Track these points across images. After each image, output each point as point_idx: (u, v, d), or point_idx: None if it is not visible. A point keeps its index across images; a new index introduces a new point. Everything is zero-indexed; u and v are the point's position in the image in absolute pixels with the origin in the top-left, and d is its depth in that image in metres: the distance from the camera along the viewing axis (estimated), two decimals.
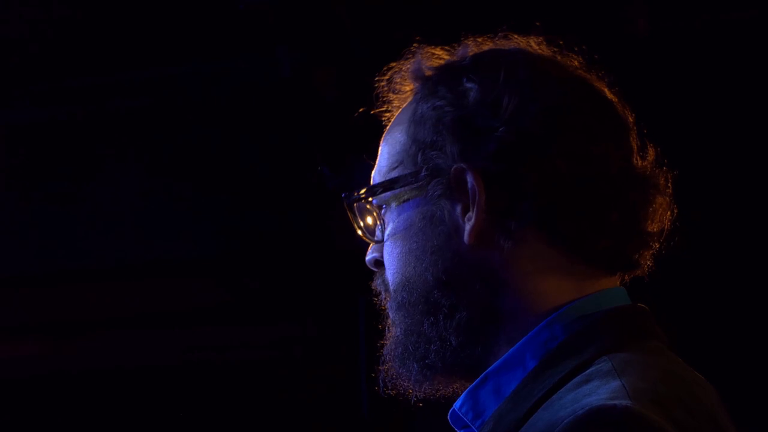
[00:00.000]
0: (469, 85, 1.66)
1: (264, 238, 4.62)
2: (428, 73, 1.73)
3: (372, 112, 1.81)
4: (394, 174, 1.70)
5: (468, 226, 1.63)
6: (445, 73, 1.72)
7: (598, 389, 1.48)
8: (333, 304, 4.58)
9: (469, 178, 1.62)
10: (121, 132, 4.57)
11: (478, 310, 1.64)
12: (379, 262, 1.75)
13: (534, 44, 1.75)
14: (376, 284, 1.76)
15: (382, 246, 1.73)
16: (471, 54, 1.73)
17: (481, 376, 1.64)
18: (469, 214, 1.63)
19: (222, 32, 4.29)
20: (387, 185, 1.70)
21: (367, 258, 1.77)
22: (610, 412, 1.41)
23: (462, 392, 1.67)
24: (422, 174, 1.66)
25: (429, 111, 1.68)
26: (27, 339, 4.82)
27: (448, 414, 1.68)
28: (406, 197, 1.69)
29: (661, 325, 1.67)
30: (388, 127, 1.77)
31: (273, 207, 4.58)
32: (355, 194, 1.75)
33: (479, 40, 1.76)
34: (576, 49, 1.74)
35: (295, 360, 4.81)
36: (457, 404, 1.66)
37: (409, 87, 1.77)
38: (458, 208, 1.64)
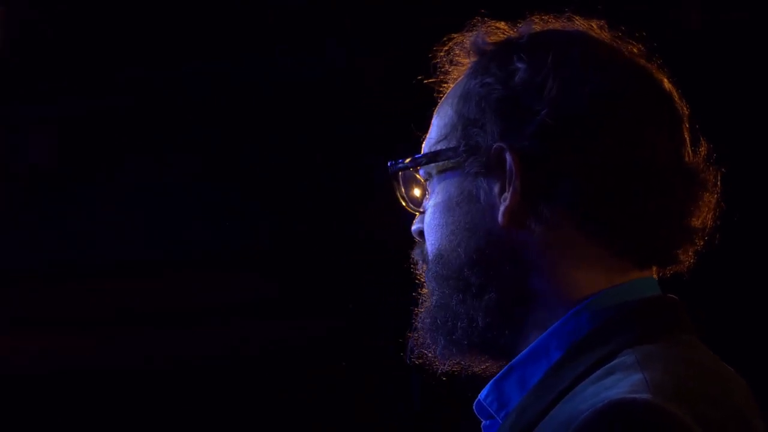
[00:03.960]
0: (519, 64, 1.65)
1: (267, 237, 4.60)
2: (486, 48, 1.72)
3: (426, 82, 1.80)
4: (438, 147, 1.70)
5: (502, 207, 1.62)
6: (499, 50, 1.71)
7: (620, 382, 1.46)
8: (335, 303, 4.56)
9: (508, 158, 1.61)
10: (130, 128, 4.55)
11: (507, 292, 1.63)
12: (423, 233, 1.75)
13: (596, 27, 1.73)
14: (415, 254, 1.77)
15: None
16: (530, 32, 1.72)
17: (506, 367, 1.63)
18: (505, 194, 1.62)
19: (251, 30, 4.28)
20: (431, 157, 1.70)
21: (413, 228, 1.78)
22: (629, 406, 1.40)
23: (489, 374, 1.67)
24: (462, 150, 1.66)
25: (476, 87, 1.67)
26: (74, 331, 4.82)
27: (474, 404, 1.67)
28: (448, 171, 1.69)
29: (694, 317, 1.65)
30: (441, 100, 1.77)
31: (272, 208, 4.57)
32: (400, 163, 1.76)
33: (545, 17, 1.75)
34: (637, 35, 1.72)
35: (294, 360, 4.80)
36: (482, 395, 1.66)
37: (466, 60, 1.76)
38: (495, 188, 1.63)
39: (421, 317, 1.72)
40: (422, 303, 1.73)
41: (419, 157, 1.73)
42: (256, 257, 4.71)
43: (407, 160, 1.74)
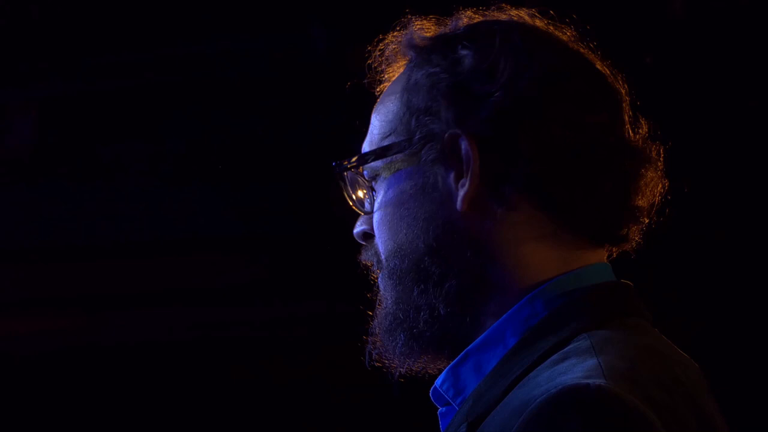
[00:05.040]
0: (464, 52, 1.66)
1: (266, 236, 4.61)
2: (421, 43, 1.73)
3: (363, 81, 1.80)
4: (386, 142, 1.69)
5: (461, 192, 1.62)
6: (439, 41, 1.71)
7: (574, 367, 1.47)
8: (333, 301, 4.56)
9: (464, 144, 1.62)
10: (142, 108, 4.54)
11: (468, 278, 1.63)
12: (367, 235, 1.74)
13: (526, 16, 1.74)
14: (366, 257, 1.75)
15: (371, 218, 1.73)
16: (469, 23, 1.73)
17: (462, 354, 1.64)
18: (463, 180, 1.62)
19: (235, 11, 4.27)
20: (379, 153, 1.69)
21: (355, 231, 1.76)
22: (582, 391, 1.40)
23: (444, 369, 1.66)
24: (416, 140, 1.66)
25: (423, 78, 1.67)
26: (58, 312, 4.82)
27: (430, 391, 1.68)
28: (399, 164, 1.68)
29: (646, 301, 1.66)
30: (380, 98, 1.77)
31: (270, 207, 4.57)
32: (346, 163, 1.73)
33: (470, 13, 1.76)
34: (567, 20, 1.74)
35: (295, 354, 4.81)
36: (438, 381, 1.66)
37: (401, 57, 1.76)
38: (452, 175, 1.64)
39: (378, 320, 1.71)
40: (377, 305, 1.72)
41: (366, 154, 1.71)
42: (254, 257, 4.72)
43: (353, 159, 1.73)
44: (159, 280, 4.73)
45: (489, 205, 1.61)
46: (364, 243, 1.75)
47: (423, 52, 1.71)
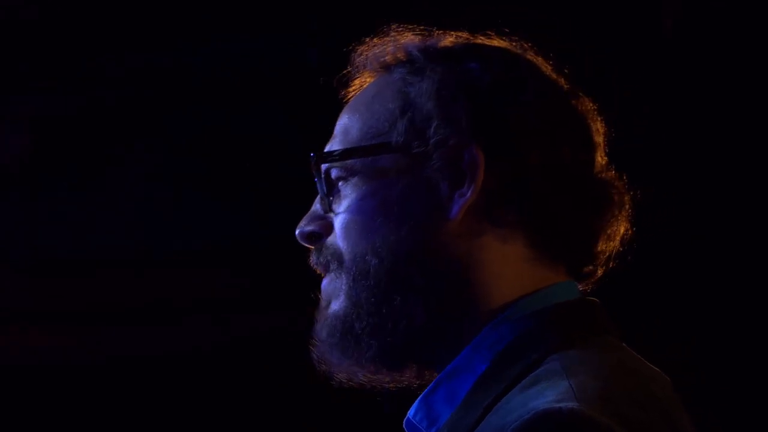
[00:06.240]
0: (474, 65, 1.65)
1: (253, 236, 4.61)
2: (415, 51, 1.70)
3: (338, 82, 1.77)
4: (373, 141, 1.65)
5: (460, 202, 1.60)
6: (438, 53, 1.70)
7: (546, 391, 1.46)
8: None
9: (472, 154, 1.60)
10: (132, 121, 4.54)
11: (451, 293, 1.61)
12: (315, 236, 1.69)
13: (517, 46, 1.74)
14: (319, 260, 1.69)
15: (325, 218, 1.68)
16: (455, 42, 1.72)
17: (433, 383, 1.62)
18: (463, 190, 1.61)
19: (230, 14, 4.27)
20: (367, 150, 1.65)
21: (303, 230, 1.70)
22: (555, 416, 1.39)
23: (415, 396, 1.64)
24: (415, 144, 1.63)
25: (431, 85, 1.64)
26: (46, 328, 4.82)
27: (404, 422, 1.66)
28: (384, 165, 1.64)
29: (614, 318, 1.66)
30: (354, 98, 1.74)
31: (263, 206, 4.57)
32: (335, 153, 1.67)
33: (460, 33, 1.74)
34: (551, 54, 1.74)
35: (295, 354, 4.79)
36: (411, 412, 1.64)
37: (379, 64, 1.73)
38: (448, 183, 1.62)
39: (331, 323, 1.66)
40: (324, 310, 1.68)
41: (352, 149, 1.66)
42: (253, 263, 4.72)
43: (335, 152, 1.67)
44: (161, 292, 4.73)
45: (482, 220, 1.61)
46: (306, 244, 1.70)
47: (421, 61, 1.68)
